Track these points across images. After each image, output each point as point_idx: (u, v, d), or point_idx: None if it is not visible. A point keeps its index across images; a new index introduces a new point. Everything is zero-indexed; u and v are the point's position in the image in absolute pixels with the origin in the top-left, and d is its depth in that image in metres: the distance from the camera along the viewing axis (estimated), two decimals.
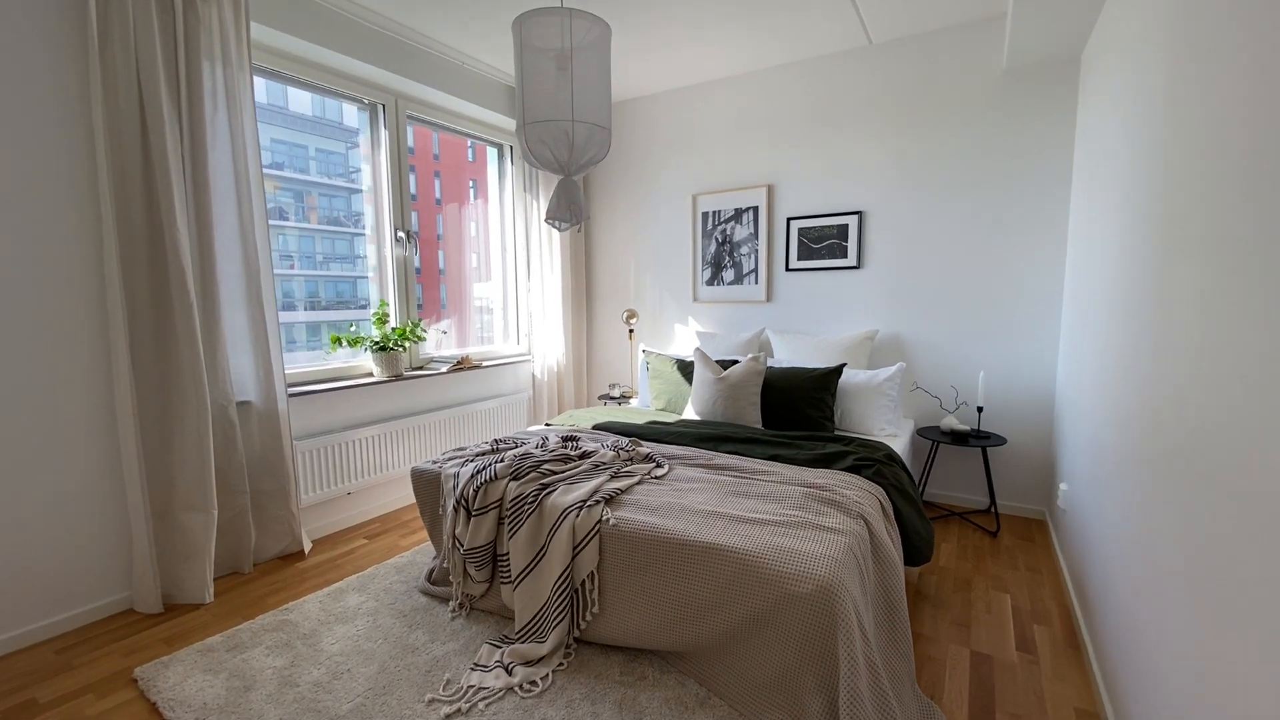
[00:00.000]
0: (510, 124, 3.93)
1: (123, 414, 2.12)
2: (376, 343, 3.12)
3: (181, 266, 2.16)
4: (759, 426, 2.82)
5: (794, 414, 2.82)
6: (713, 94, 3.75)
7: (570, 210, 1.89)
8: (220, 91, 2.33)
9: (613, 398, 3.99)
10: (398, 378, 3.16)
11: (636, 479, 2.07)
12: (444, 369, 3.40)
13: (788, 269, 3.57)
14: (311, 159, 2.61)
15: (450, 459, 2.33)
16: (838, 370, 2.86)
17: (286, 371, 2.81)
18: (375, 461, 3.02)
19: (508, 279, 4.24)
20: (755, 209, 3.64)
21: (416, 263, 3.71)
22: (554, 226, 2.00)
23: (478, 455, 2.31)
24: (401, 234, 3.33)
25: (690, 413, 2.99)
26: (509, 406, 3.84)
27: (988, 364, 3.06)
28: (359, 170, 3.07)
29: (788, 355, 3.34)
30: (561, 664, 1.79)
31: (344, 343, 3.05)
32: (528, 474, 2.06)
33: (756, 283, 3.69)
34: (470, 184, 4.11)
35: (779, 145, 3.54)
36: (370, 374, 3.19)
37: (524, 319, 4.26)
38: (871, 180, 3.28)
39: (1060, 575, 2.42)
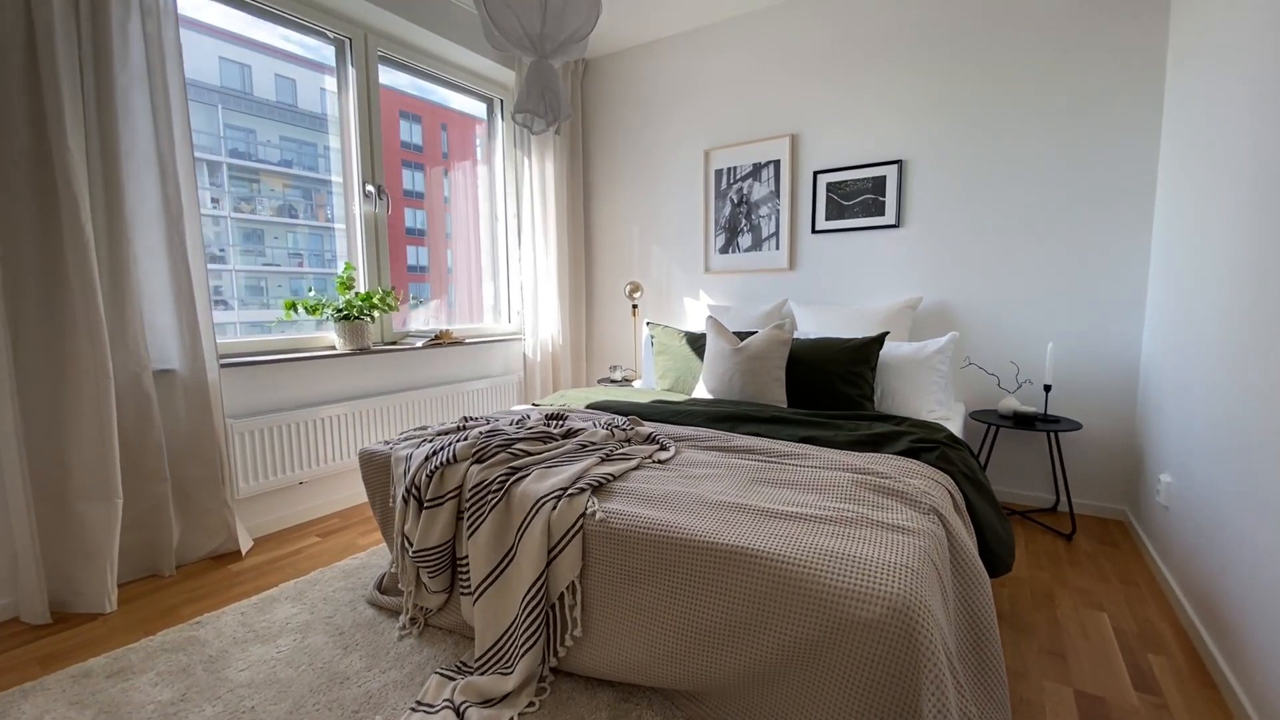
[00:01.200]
0: (504, 75, 3.50)
1: None
2: (340, 310, 2.69)
3: (74, 195, 1.75)
4: (784, 406, 2.36)
5: (826, 392, 2.36)
6: (725, 34, 3.29)
7: (545, 103, 1.45)
8: (135, 7, 1.91)
9: (614, 381, 3.54)
10: (363, 351, 2.73)
11: (634, 463, 1.62)
12: (419, 343, 2.98)
13: (814, 230, 3.11)
14: (320, 157, 2.28)
15: (406, 438, 1.90)
16: (879, 340, 2.39)
17: (229, 341, 2.40)
18: (335, 447, 2.60)
19: (497, 249, 3.81)
20: (776, 163, 3.18)
21: (424, 261, 3.29)
22: (524, 126, 1.56)
23: (439, 434, 1.87)
24: (371, 188, 2.91)
25: (702, 391, 2.54)
26: (497, 388, 3.41)
27: (1056, 336, 2.58)
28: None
29: (815, 329, 2.88)
30: (532, 704, 1.35)
31: (300, 309, 2.62)
32: (495, 454, 1.61)
33: (777, 248, 3.23)
34: (477, 181, 3.73)
35: (804, 89, 3.08)
36: (332, 347, 2.77)
37: (515, 293, 3.82)
38: (914, 124, 2.82)
39: (1166, 588, 1.94)
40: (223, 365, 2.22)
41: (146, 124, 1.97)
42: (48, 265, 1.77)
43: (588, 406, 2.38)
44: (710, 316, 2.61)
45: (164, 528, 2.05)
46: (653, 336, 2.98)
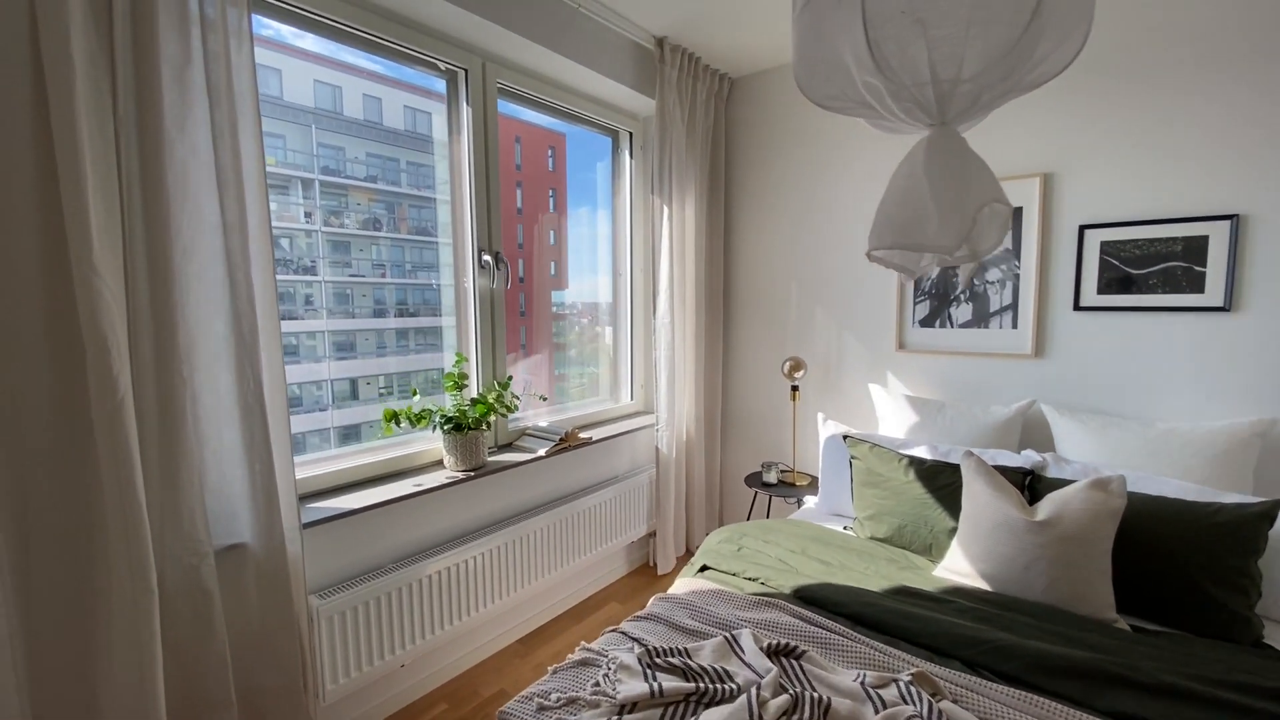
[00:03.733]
0: (640, 103, 2.83)
1: None
2: (449, 418, 2.09)
3: (101, 336, 1.18)
4: (1114, 617, 1.52)
5: (1186, 595, 1.52)
6: None
7: (979, 229, 0.70)
8: (194, 35, 1.35)
9: (768, 484, 2.79)
10: (478, 471, 2.11)
11: None
12: (542, 451, 2.33)
13: (1078, 306, 2.23)
14: (403, 171, 2.21)
15: (567, 703, 1.21)
16: (1269, 514, 1.52)
17: (312, 474, 1.83)
18: (441, 612, 1.97)
19: (620, 312, 3.15)
20: (1017, 212, 2.33)
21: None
22: (901, 271, 0.83)
23: (623, 709, 1.17)
24: (488, 258, 2.30)
25: (958, 560, 1.74)
26: (625, 497, 2.72)
27: None
28: (447, 180, 2.25)
29: (1093, 453, 2.01)
30: None
31: (401, 420, 2.03)
32: None
33: (1015, 325, 2.37)
34: (549, 193, 3.14)
35: (1065, 108, 2.21)
36: (440, 462, 2.17)
37: (639, 367, 3.15)
38: (1258, 161, 1.90)
39: None
40: (307, 526, 1.63)
41: (212, 207, 1.40)
42: (64, 438, 1.21)
43: (796, 595, 1.63)
44: (971, 453, 1.80)
45: None
46: (854, 457, 2.19)
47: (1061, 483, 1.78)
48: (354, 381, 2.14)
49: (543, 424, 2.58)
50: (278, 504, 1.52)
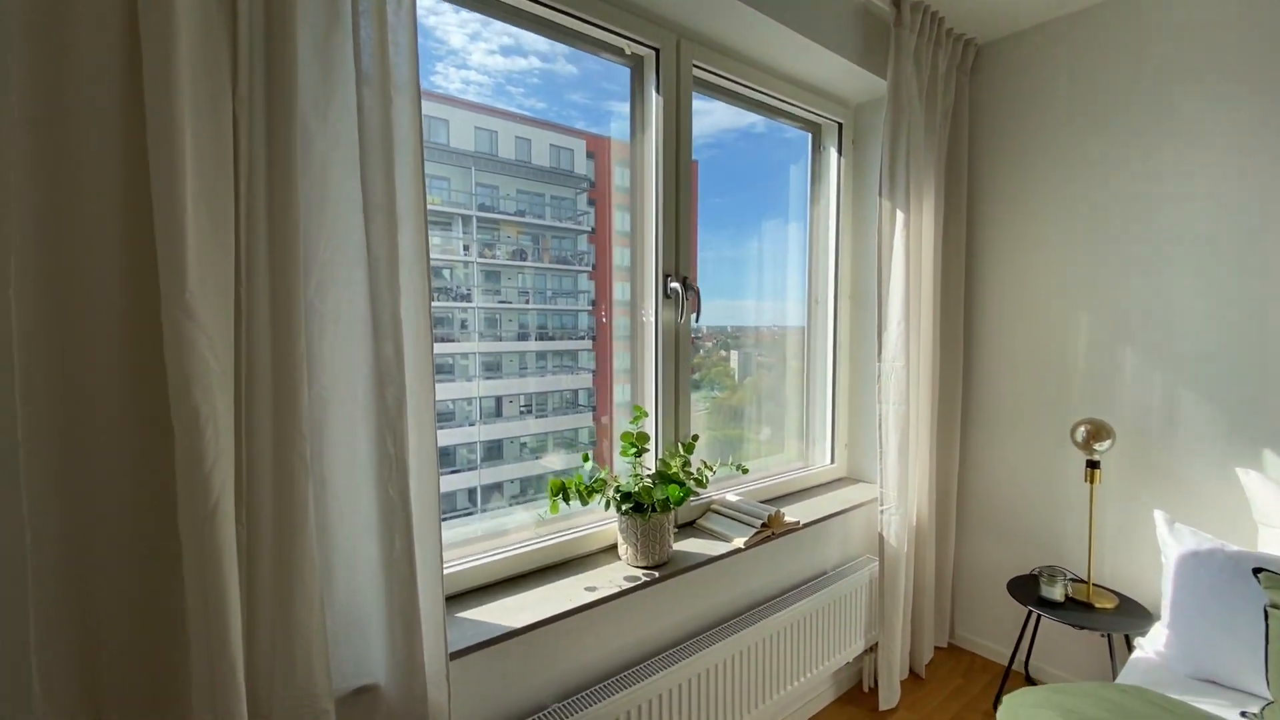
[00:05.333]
0: (854, 84, 2.22)
1: None
2: (627, 495, 1.58)
3: (190, 403, 0.79)
4: None
5: None
6: None
7: None
8: (345, 9, 0.98)
9: (1051, 601, 1.94)
10: (663, 570, 1.57)
11: None
12: (740, 541, 1.74)
13: None
14: (547, 205, 2.29)
15: None
16: None
17: (460, 568, 1.40)
18: None
19: (814, 345, 2.50)
20: None
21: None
22: None
23: None
24: (675, 285, 1.79)
25: None
26: (839, 602, 2.03)
27: None
28: (586, 212, 2.19)
29: None
30: None
31: (570, 496, 1.56)
32: None
33: None
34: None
35: None
36: (612, 548, 1.67)
37: (843, 419, 2.47)
38: None
39: None
40: (455, 656, 1.18)
41: (357, 253, 1.02)
42: (139, 558, 0.84)
43: None
44: None
45: None
46: (1276, 606, 1.32)
47: None
48: (499, 400, 2.24)
49: (731, 497, 1.99)
50: (419, 628, 1.08)
